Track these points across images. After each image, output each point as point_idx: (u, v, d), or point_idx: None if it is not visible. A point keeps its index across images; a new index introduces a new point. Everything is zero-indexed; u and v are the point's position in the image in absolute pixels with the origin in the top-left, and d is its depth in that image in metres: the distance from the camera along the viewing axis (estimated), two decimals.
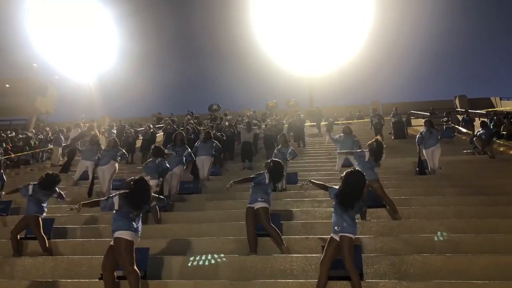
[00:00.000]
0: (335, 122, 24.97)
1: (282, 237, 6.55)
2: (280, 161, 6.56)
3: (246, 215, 6.21)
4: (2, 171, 10.91)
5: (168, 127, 15.91)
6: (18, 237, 6.87)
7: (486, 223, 6.61)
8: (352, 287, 4.69)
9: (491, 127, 14.89)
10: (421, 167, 10.41)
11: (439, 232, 6.15)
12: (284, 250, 5.94)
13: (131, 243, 4.85)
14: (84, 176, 11.34)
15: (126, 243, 4.79)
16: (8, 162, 15.97)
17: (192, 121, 18.15)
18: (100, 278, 5.34)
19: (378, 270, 5.39)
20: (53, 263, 6.21)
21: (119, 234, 4.81)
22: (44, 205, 6.99)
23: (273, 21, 38.04)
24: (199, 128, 16.54)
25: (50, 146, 17.41)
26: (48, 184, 6.97)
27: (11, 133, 23.26)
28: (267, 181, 6.16)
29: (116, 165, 10.06)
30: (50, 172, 7.27)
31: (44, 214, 6.99)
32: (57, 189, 7.19)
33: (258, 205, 6.08)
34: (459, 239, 6.04)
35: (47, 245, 6.67)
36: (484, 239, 5.95)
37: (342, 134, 11.36)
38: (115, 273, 4.97)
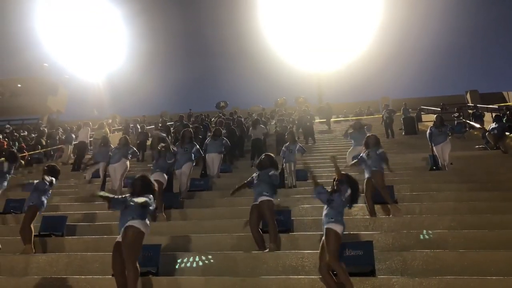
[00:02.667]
0: (346, 118, 24.91)
1: (293, 233, 6.58)
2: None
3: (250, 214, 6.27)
4: None
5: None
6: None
7: (499, 219, 6.53)
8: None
9: (504, 121, 14.66)
10: (435, 163, 10.31)
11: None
12: (271, 248, 5.95)
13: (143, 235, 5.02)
14: (96, 174, 11.46)
15: (141, 234, 4.95)
16: (21, 161, 16.17)
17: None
18: (113, 275, 5.39)
19: (390, 267, 5.37)
20: (66, 260, 6.29)
21: (137, 224, 4.94)
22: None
23: (281, 18, 37.99)
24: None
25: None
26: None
27: (23, 132, 23.57)
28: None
29: (127, 162, 10.14)
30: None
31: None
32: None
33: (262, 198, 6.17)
34: (472, 235, 5.97)
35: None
36: (498, 235, 5.88)
37: (352, 130, 11.29)
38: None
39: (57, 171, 7.47)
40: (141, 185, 5.20)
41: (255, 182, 6.40)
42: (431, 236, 5.96)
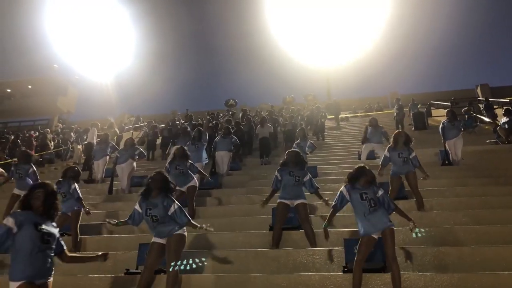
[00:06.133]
0: (355, 115, 24.79)
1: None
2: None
3: (277, 211, 6.25)
4: None
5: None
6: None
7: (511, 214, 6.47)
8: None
9: None
10: (447, 158, 10.21)
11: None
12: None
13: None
14: (107, 174, 11.60)
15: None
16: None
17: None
18: (125, 273, 5.46)
19: (401, 262, 5.32)
20: None
21: (183, 231, 5.04)
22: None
23: (288, 15, 37.88)
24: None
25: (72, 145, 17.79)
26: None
27: (35, 132, 23.82)
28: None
29: (134, 163, 10.30)
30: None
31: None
32: None
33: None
34: (484, 230, 5.93)
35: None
36: (510, 230, 5.83)
37: (370, 127, 11.03)
38: None
39: (79, 174, 7.55)
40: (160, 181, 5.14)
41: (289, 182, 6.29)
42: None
